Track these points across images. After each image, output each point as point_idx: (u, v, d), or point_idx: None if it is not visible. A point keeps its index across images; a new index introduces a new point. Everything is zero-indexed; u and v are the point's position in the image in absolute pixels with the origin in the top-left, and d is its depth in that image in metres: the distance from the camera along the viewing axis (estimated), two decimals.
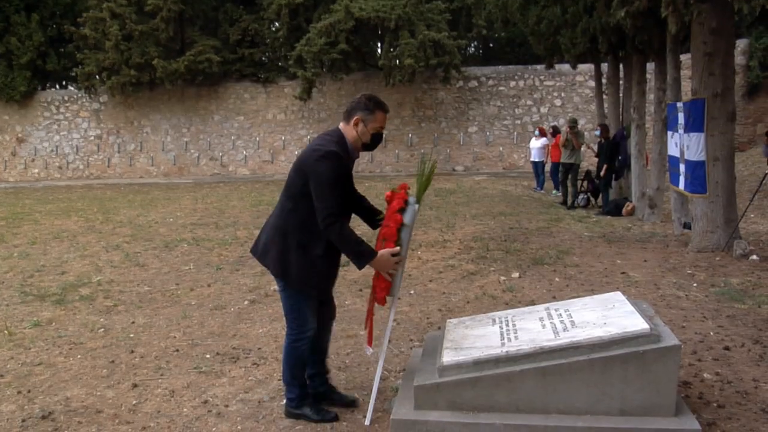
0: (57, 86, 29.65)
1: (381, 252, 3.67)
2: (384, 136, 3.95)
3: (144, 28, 23.66)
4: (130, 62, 23.71)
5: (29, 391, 4.56)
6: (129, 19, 23.55)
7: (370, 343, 3.90)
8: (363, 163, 24.54)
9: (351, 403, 4.11)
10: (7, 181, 26.26)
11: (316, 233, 3.69)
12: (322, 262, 3.77)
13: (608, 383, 3.30)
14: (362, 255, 3.65)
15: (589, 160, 19.15)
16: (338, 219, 3.61)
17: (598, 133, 13.84)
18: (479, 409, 3.40)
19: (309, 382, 4.15)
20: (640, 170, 12.54)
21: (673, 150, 9.97)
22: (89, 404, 4.33)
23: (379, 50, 26.35)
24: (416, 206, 3.74)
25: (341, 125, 3.79)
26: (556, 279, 7.33)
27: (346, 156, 3.75)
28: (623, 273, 7.58)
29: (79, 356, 5.29)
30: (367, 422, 3.86)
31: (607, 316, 3.64)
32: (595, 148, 14.38)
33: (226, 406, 4.23)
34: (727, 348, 4.93)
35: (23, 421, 4.08)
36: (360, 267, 3.71)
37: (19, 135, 26.84)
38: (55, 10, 26.34)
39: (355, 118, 3.73)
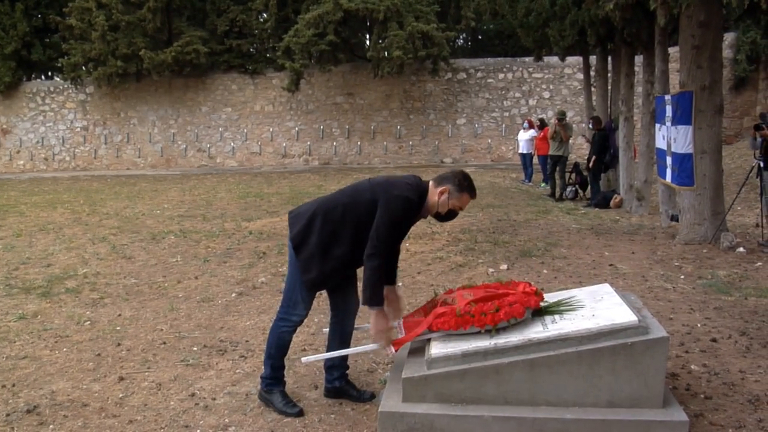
0: (42, 77, 29.40)
1: (384, 321, 3.73)
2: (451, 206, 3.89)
3: (131, 18, 23.47)
4: (117, 53, 23.51)
5: (14, 385, 4.53)
6: (115, 9, 23.33)
7: (396, 348, 3.78)
8: (351, 154, 24.53)
9: (370, 399, 4.11)
10: None
11: (347, 236, 3.77)
12: (335, 261, 3.81)
13: (596, 375, 3.30)
14: (373, 297, 3.68)
15: (577, 152, 19.21)
16: (383, 254, 3.68)
17: (591, 126, 13.87)
18: (468, 401, 3.40)
19: (326, 374, 4.19)
20: (628, 163, 12.57)
21: (660, 142, 9.99)
22: (75, 398, 4.30)
23: (367, 42, 26.31)
24: (529, 316, 3.63)
25: (431, 184, 3.85)
26: (545, 271, 7.34)
27: (417, 210, 3.81)
28: (611, 265, 7.60)
29: (64, 349, 5.25)
30: (304, 360, 4.01)
31: (595, 308, 3.64)
32: (589, 137, 14.39)
33: (214, 399, 4.21)
34: (714, 340, 4.96)
35: (8, 415, 4.05)
36: (363, 302, 3.74)
37: (4, 126, 26.62)
38: (40, 0, 26.07)
39: (443, 187, 3.79)
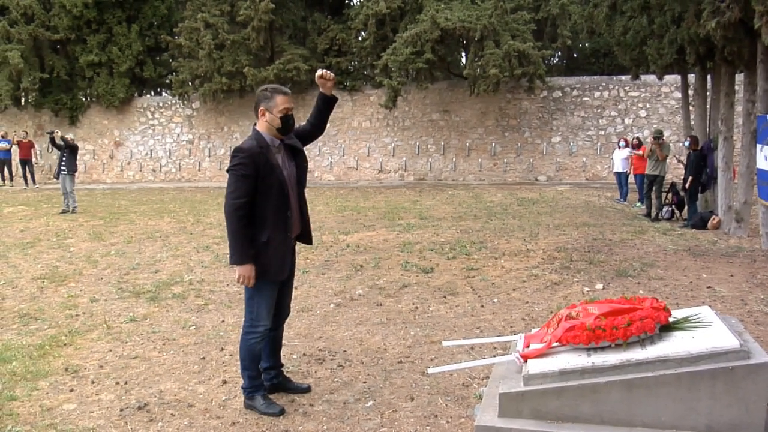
0: (152, 93, 30.79)
1: (252, 272, 4.04)
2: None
3: (236, 37, 24.28)
4: (222, 70, 24.37)
5: (126, 383, 4.82)
6: (222, 29, 24.22)
7: (525, 359, 3.70)
8: (446, 171, 24.56)
9: (306, 391, 4.52)
10: (105, 183, 27.37)
11: (253, 222, 4.10)
12: (266, 247, 4.12)
13: (695, 398, 3.25)
14: (234, 255, 4.08)
15: (673, 172, 18.68)
16: (234, 206, 4.04)
17: (687, 144, 13.54)
18: (563, 419, 3.40)
19: (264, 374, 4.46)
20: (727, 183, 12.19)
21: (762, 163, 9.69)
22: (181, 398, 4.54)
23: (463, 60, 26.35)
24: (658, 332, 3.62)
25: (256, 124, 4.18)
26: (641, 291, 7.21)
27: (266, 148, 4.09)
28: (709, 287, 7.40)
29: (171, 351, 5.54)
30: (430, 371, 4.21)
31: (694, 330, 3.60)
32: (684, 159, 14.07)
33: (312, 405, 4.35)
34: None
35: (121, 410, 4.33)
36: (231, 261, 4.12)
37: (117, 139, 27.93)
38: (153, 21, 27.40)
39: (260, 110, 4.11)
